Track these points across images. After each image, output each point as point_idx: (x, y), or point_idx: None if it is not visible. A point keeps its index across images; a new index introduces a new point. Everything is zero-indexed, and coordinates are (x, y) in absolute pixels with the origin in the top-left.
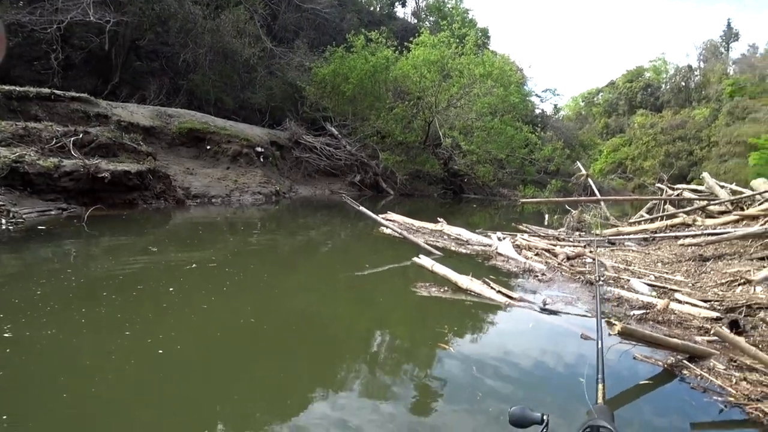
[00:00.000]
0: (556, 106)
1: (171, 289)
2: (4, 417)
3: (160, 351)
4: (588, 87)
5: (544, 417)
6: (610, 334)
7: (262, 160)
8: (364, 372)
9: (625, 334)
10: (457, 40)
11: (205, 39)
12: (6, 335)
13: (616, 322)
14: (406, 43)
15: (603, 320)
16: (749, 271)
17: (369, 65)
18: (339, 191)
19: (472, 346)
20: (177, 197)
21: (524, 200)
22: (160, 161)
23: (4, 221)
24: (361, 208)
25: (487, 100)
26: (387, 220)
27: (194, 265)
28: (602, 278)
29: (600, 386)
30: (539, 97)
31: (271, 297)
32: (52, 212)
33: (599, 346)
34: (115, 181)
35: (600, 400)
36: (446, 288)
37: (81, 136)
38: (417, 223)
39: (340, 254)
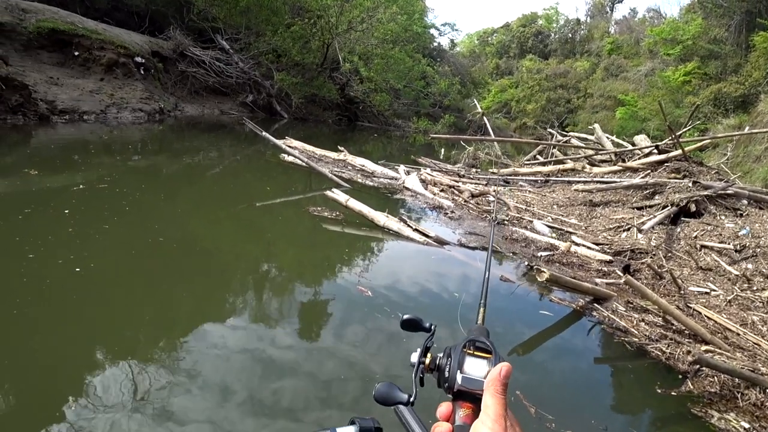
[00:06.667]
0: (452, 41)
1: (66, 211)
2: None
3: (78, 269)
4: (484, 26)
5: (432, 326)
6: (524, 277)
7: (142, 72)
8: (277, 303)
9: (552, 281)
10: None
11: None
12: None
13: (545, 270)
14: None
15: (523, 264)
16: (632, 218)
17: None
18: (230, 111)
19: (387, 287)
20: (39, 112)
21: (434, 135)
22: (15, 67)
23: None
24: (265, 133)
25: (389, 27)
26: (287, 146)
27: (82, 186)
28: (506, 218)
29: (481, 310)
30: (438, 30)
31: (174, 219)
32: None
33: (486, 275)
34: None
35: (479, 322)
36: (361, 225)
37: None
38: (319, 151)
39: (238, 181)
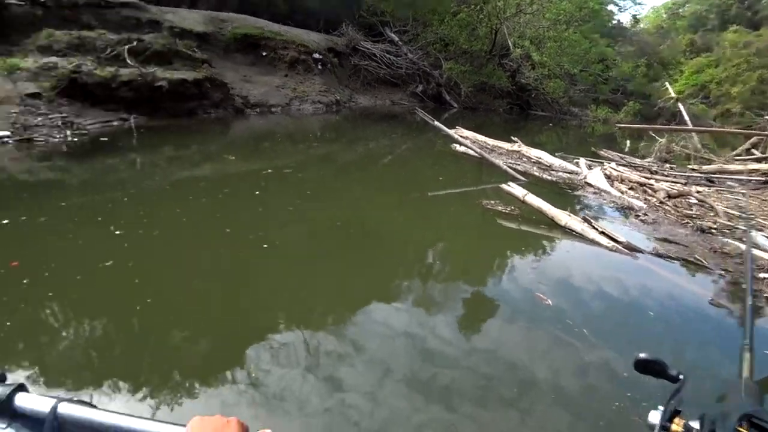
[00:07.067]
0: (635, 16)
1: (257, 192)
2: (148, 300)
3: (265, 245)
4: None
5: (681, 377)
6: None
7: (320, 67)
8: (445, 295)
9: None
10: None
11: None
12: (117, 232)
13: None
14: None
15: (735, 284)
16: None
17: None
18: (400, 101)
19: (570, 297)
20: (236, 106)
21: (620, 125)
22: (216, 69)
23: (68, 132)
24: (436, 122)
25: (562, 6)
26: (459, 136)
27: (270, 171)
28: (714, 226)
29: (747, 356)
30: (617, 5)
31: (350, 203)
32: (114, 123)
33: (750, 302)
34: (173, 90)
35: (746, 373)
36: (539, 223)
37: (135, 43)
38: (491, 142)
39: (410, 170)
